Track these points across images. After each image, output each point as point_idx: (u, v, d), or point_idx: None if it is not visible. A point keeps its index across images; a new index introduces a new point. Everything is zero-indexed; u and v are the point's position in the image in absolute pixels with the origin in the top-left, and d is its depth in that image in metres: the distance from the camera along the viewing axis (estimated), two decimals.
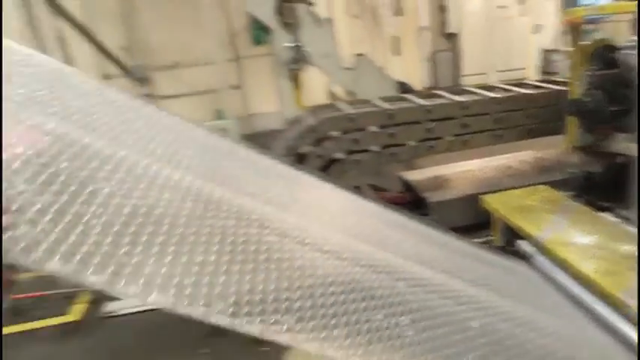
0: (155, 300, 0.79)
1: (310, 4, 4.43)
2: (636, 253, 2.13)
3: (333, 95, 6.24)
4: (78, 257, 0.78)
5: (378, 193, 3.73)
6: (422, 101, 3.61)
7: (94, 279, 0.77)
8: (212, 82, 6.40)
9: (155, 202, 1.00)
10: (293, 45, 4.34)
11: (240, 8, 6.55)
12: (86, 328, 3.04)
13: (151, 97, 3.15)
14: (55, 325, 3.07)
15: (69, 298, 3.28)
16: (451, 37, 7.70)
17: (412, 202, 3.81)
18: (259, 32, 6.96)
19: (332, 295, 0.96)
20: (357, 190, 2.50)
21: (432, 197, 3.66)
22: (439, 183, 3.89)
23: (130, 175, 1.00)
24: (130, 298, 0.85)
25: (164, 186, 1.01)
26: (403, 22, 7.03)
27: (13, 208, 0.84)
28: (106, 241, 0.88)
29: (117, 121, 1.57)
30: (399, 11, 5.77)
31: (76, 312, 3.17)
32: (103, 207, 0.94)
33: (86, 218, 0.91)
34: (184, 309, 0.81)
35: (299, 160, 3.04)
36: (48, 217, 0.87)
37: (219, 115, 5.64)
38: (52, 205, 0.89)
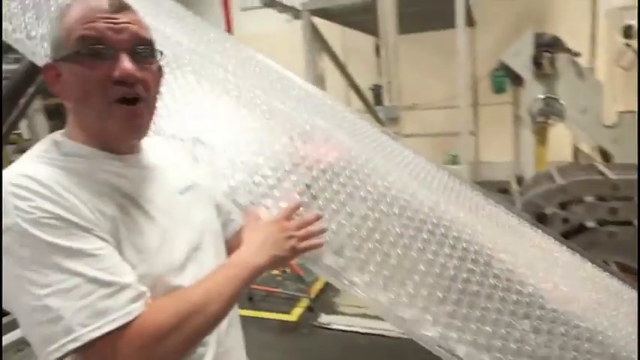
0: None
1: (576, 54, 4.06)
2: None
3: (578, 153, 5.55)
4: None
5: (628, 274, 3.11)
6: None
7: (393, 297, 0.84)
8: (448, 125, 6.47)
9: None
10: (545, 97, 4.04)
11: (487, 55, 6.49)
12: (301, 330, 3.37)
13: (397, 134, 3.35)
14: (276, 320, 3.51)
15: (291, 300, 3.71)
16: None
17: None
18: (502, 80, 6.74)
19: None
20: (604, 265, 2.15)
21: None
22: None
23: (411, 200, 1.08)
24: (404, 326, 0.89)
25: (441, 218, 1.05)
26: None
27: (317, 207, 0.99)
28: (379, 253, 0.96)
29: (383, 146, 1.72)
30: None
31: (295, 314, 3.55)
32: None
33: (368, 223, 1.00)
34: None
35: (539, 219, 2.77)
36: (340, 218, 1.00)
37: (452, 159, 5.63)
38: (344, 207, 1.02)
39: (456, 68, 4.33)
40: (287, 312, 3.58)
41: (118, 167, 0.81)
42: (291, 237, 0.88)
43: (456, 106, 4.41)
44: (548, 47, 4.08)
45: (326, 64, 5.52)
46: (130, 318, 0.68)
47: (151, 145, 0.92)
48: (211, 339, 0.86)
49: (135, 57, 0.76)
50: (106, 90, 0.74)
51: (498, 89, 6.88)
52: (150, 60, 0.80)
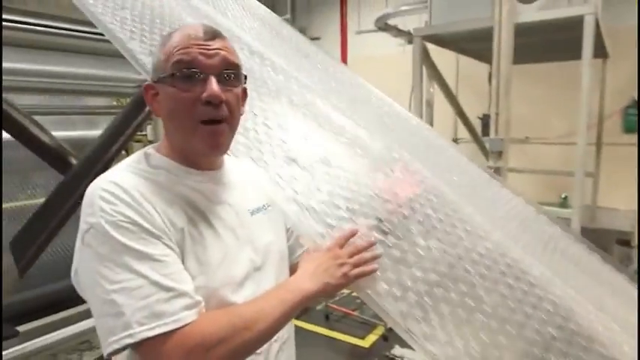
0: None
1: None
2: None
3: None
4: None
5: None
6: None
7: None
8: (563, 164, 5.92)
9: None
10: None
11: (620, 90, 5.85)
12: (372, 358, 3.30)
13: (499, 169, 3.15)
14: (349, 343, 3.48)
15: (367, 326, 3.65)
16: None
17: None
18: (634, 119, 6.01)
19: None
20: None
21: None
22: None
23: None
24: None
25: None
26: None
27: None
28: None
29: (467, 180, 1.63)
30: None
31: (368, 340, 3.49)
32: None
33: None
34: None
35: None
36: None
37: (563, 202, 5.15)
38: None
39: (578, 103, 3.97)
40: (361, 337, 3.53)
41: (196, 182, 0.88)
42: (343, 264, 0.87)
43: (574, 143, 4.02)
44: None
45: (436, 90, 5.41)
46: (181, 324, 0.72)
47: (233, 163, 0.99)
48: (259, 358, 0.89)
49: (222, 80, 0.83)
50: (194, 110, 0.82)
51: (629, 128, 6.15)
52: (235, 83, 0.87)
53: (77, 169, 2.14)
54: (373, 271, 0.88)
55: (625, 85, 5.78)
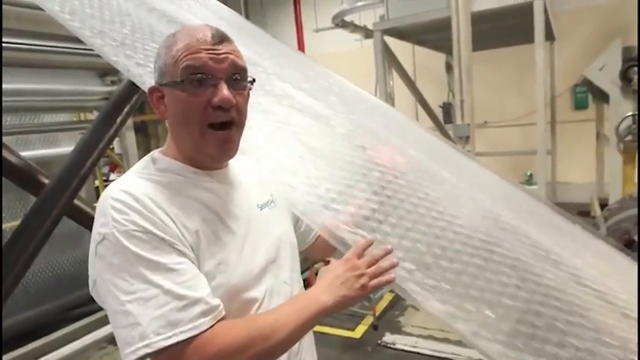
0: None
1: None
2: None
3: None
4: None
5: None
6: None
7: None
8: (522, 143, 6.19)
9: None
10: (634, 114, 3.75)
11: (566, 70, 6.16)
12: (364, 348, 3.34)
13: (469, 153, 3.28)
14: (340, 336, 3.51)
15: (356, 317, 3.69)
16: None
17: None
18: (583, 96, 6.37)
19: None
20: None
21: None
22: None
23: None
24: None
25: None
26: None
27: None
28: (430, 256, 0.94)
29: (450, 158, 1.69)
30: None
31: (358, 331, 3.53)
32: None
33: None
34: None
35: (626, 246, 2.56)
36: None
37: (528, 179, 5.38)
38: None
39: (532, 84, 4.16)
40: (351, 329, 3.57)
41: (206, 182, 0.88)
42: (361, 275, 0.85)
43: (532, 124, 4.23)
44: (637, 61, 3.81)
45: (395, 82, 5.52)
46: (197, 332, 0.72)
47: (236, 161, 0.98)
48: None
49: (231, 84, 0.82)
50: (205, 114, 0.81)
51: (579, 106, 6.52)
52: (243, 85, 0.86)
53: (51, 188, 2.06)
54: (391, 281, 0.86)
55: (571, 64, 6.11)
